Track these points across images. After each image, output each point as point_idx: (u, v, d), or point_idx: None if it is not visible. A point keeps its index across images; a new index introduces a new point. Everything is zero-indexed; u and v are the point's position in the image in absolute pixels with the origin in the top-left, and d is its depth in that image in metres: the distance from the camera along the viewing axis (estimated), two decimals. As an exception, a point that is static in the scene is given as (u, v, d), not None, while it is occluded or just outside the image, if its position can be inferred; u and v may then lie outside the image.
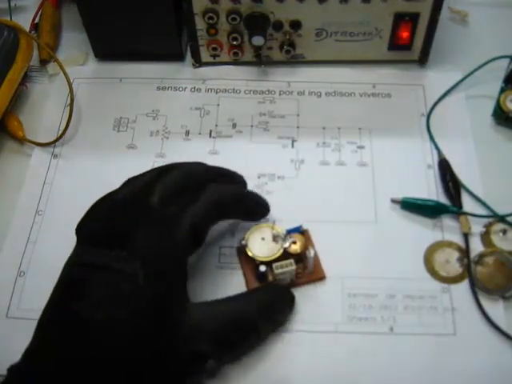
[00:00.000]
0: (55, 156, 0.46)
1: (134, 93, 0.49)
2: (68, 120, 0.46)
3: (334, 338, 0.37)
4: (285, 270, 0.37)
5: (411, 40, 0.48)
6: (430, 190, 0.43)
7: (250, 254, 0.38)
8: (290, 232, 0.38)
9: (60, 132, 0.46)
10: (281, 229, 0.38)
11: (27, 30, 0.50)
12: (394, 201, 0.42)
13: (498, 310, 0.38)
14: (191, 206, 0.35)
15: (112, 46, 0.50)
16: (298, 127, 0.47)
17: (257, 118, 0.47)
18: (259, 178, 0.44)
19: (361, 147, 0.45)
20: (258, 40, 0.46)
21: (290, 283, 0.38)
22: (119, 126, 0.47)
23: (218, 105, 0.48)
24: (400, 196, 0.42)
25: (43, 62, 0.51)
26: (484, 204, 0.42)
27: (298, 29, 0.47)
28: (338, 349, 0.37)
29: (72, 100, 0.46)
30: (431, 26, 0.46)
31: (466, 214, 0.41)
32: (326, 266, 0.39)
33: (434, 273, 0.39)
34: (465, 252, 0.40)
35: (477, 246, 0.40)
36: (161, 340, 0.31)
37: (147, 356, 0.30)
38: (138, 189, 0.35)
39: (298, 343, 0.37)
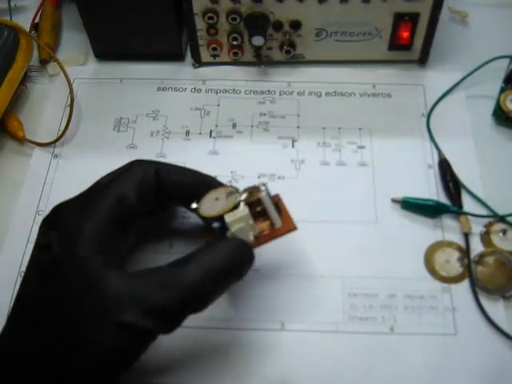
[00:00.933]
0: (55, 156, 0.46)
1: (135, 93, 0.49)
2: (68, 120, 0.46)
3: (334, 338, 0.37)
4: (238, 217, 0.32)
5: (411, 40, 0.48)
6: (431, 189, 0.43)
7: (202, 213, 0.34)
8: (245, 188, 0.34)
9: (60, 132, 0.46)
10: (235, 187, 0.35)
11: (27, 30, 0.50)
12: (394, 201, 0.42)
13: (498, 309, 0.38)
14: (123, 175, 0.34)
15: (112, 45, 0.50)
16: (298, 127, 0.47)
17: (257, 118, 0.47)
18: (259, 178, 0.44)
19: (361, 147, 0.45)
20: (257, 40, 0.46)
21: (257, 241, 0.34)
22: (119, 126, 0.47)
23: (218, 105, 0.48)
24: (400, 196, 0.42)
25: (43, 62, 0.51)
26: (484, 204, 0.42)
27: (298, 29, 0.47)
28: (338, 349, 0.37)
29: (72, 100, 0.46)
30: (431, 26, 0.46)
31: (466, 213, 0.41)
32: (326, 266, 0.39)
33: (434, 273, 0.40)
34: (465, 252, 0.40)
35: (477, 246, 0.40)
36: (83, 310, 0.29)
37: (64, 329, 0.29)
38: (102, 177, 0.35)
39: (298, 343, 0.37)
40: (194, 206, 0.34)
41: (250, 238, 0.33)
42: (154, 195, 0.34)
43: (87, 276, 0.30)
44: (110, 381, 0.30)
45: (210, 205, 0.34)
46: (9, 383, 0.29)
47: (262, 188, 0.33)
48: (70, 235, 0.31)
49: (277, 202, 0.35)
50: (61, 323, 0.30)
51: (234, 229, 0.32)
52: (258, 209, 0.33)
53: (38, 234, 0.33)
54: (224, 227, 0.33)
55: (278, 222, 0.34)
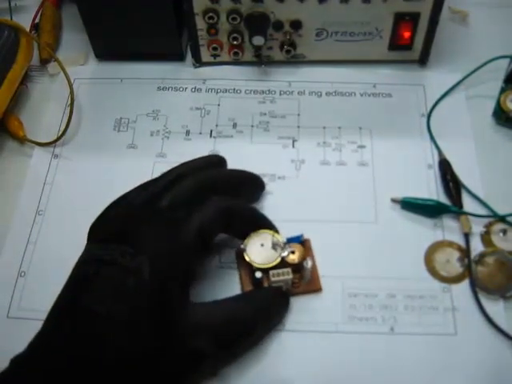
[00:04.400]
0: (55, 156, 0.46)
1: (135, 93, 0.49)
2: (68, 120, 0.46)
3: (334, 338, 0.37)
4: (281, 278, 0.37)
5: (411, 40, 0.48)
6: (431, 189, 0.43)
7: (247, 258, 0.37)
8: (290, 241, 0.38)
9: (60, 132, 0.46)
10: (281, 237, 0.38)
11: (27, 29, 0.50)
12: (394, 201, 0.42)
13: (498, 309, 0.38)
14: (200, 210, 0.35)
15: (112, 46, 0.50)
16: (298, 127, 0.47)
17: (257, 118, 0.47)
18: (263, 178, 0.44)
19: (361, 147, 0.45)
20: (258, 40, 0.46)
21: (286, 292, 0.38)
22: (119, 126, 0.47)
23: (219, 105, 0.48)
24: (400, 196, 0.42)
25: (43, 62, 0.51)
26: (484, 204, 0.42)
27: (298, 29, 0.47)
28: (338, 349, 0.37)
29: (72, 100, 0.46)
30: (431, 26, 0.46)
31: (466, 213, 0.41)
32: (326, 266, 0.39)
33: (434, 273, 0.40)
34: (465, 252, 0.40)
35: (477, 246, 0.40)
36: (159, 337, 0.31)
37: (145, 353, 0.30)
38: (151, 194, 0.36)
39: (298, 343, 0.37)
40: (242, 247, 0.37)
41: (283, 289, 0.38)
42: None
43: (168, 307, 0.32)
44: None
45: (256, 251, 0.37)
46: None
47: (309, 263, 0.37)
48: (163, 265, 0.32)
49: (309, 255, 0.39)
50: (132, 341, 0.30)
51: (274, 284, 0.37)
52: (295, 267, 0.38)
53: (102, 244, 0.33)
54: (263, 275, 0.37)
55: (309, 282, 0.38)
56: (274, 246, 0.37)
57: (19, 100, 0.49)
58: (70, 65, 0.49)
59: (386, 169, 0.44)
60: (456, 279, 0.39)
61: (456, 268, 0.40)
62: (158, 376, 0.31)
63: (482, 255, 0.40)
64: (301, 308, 0.38)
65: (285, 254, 0.37)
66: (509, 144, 0.46)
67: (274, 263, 0.37)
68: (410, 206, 0.42)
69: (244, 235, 0.38)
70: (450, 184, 0.43)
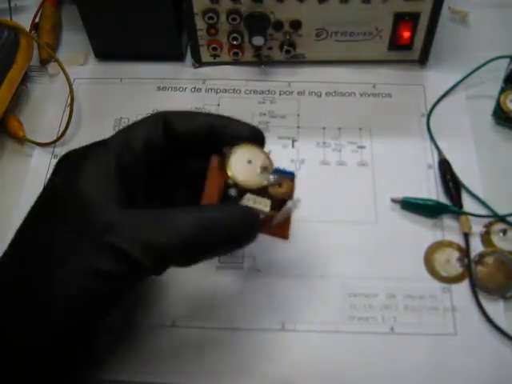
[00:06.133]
0: (55, 156, 0.46)
1: (135, 93, 0.49)
2: (68, 120, 0.46)
3: (334, 338, 0.37)
4: (257, 206, 0.30)
5: (411, 40, 0.48)
6: (430, 189, 0.43)
7: (228, 171, 0.30)
8: (279, 172, 0.32)
9: (60, 132, 0.46)
10: (273, 163, 0.32)
11: (27, 30, 0.50)
12: (394, 201, 0.42)
13: (498, 309, 0.38)
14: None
15: (112, 46, 0.50)
16: (298, 127, 0.47)
17: (257, 118, 0.47)
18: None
19: (361, 147, 0.45)
20: (258, 40, 0.46)
21: None
22: (119, 126, 0.47)
23: (219, 105, 0.48)
24: (400, 196, 0.42)
25: (43, 62, 0.51)
26: (484, 204, 0.42)
27: (298, 29, 0.47)
28: (338, 349, 0.37)
29: (72, 100, 0.46)
30: (431, 25, 0.46)
31: (466, 213, 0.41)
32: (326, 266, 0.39)
33: (434, 273, 0.40)
34: (465, 252, 0.40)
35: (477, 246, 0.40)
36: (68, 236, 0.29)
37: (51, 250, 0.29)
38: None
39: (298, 343, 0.37)
40: (226, 151, 0.31)
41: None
42: (161, 147, 0.32)
43: (83, 207, 0.29)
44: (96, 315, 0.29)
45: (240, 166, 0.31)
46: None
47: (291, 206, 0.31)
48: (73, 173, 0.31)
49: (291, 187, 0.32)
50: (49, 246, 0.29)
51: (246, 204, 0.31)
52: (275, 203, 0.31)
53: (48, 178, 0.33)
54: (238, 194, 0.31)
55: (278, 224, 0.32)
56: (263, 168, 0.31)
57: (19, 100, 0.49)
58: (69, 65, 0.49)
59: (385, 169, 0.44)
60: (456, 279, 0.39)
61: (456, 268, 0.40)
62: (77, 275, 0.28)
63: (481, 255, 0.40)
64: (301, 308, 0.38)
65: (271, 181, 0.31)
66: (509, 144, 0.46)
67: (255, 186, 0.31)
68: (410, 206, 0.42)
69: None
70: (450, 184, 0.43)
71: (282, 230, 0.33)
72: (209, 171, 0.31)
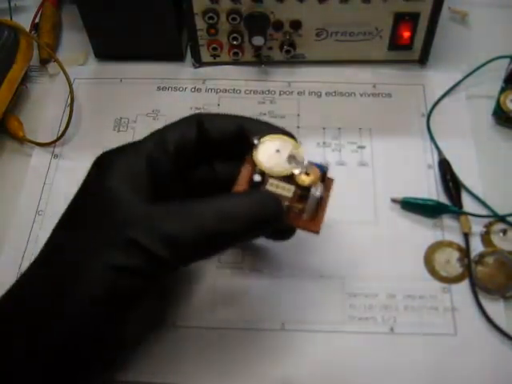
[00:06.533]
0: (55, 156, 0.46)
1: (134, 93, 0.49)
2: (68, 120, 0.46)
3: (334, 338, 0.37)
4: (278, 191, 0.31)
5: (411, 40, 0.48)
6: (430, 189, 0.43)
7: (254, 157, 0.31)
8: (312, 164, 0.32)
9: (60, 132, 0.46)
10: (302, 153, 0.32)
11: (27, 30, 0.50)
12: (394, 201, 0.42)
13: (498, 309, 0.38)
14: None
15: (112, 46, 0.50)
16: (298, 127, 0.47)
17: (257, 118, 0.47)
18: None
19: (361, 147, 0.45)
20: (258, 40, 0.46)
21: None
22: (119, 126, 0.47)
23: (219, 105, 0.48)
24: (400, 196, 0.42)
25: (43, 62, 0.51)
26: (484, 204, 0.42)
27: (298, 29, 0.47)
28: (338, 349, 0.37)
29: (72, 100, 0.46)
30: (431, 25, 0.46)
31: (466, 213, 0.41)
32: (326, 266, 0.39)
33: (434, 273, 0.40)
34: (465, 252, 0.40)
35: (477, 246, 0.40)
36: (89, 231, 0.30)
37: (75, 246, 0.30)
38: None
39: (298, 343, 0.37)
40: (256, 141, 0.31)
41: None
42: (193, 149, 0.33)
43: (113, 203, 0.30)
44: (121, 313, 0.29)
45: (268, 154, 0.31)
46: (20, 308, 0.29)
47: (315, 191, 0.31)
48: (103, 171, 0.31)
49: (324, 198, 0.32)
50: (75, 246, 0.30)
51: (268, 191, 0.31)
52: (303, 193, 0.31)
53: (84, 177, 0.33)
54: (262, 181, 0.31)
55: (309, 216, 0.32)
56: (291, 158, 0.32)
57: (19, 100, 0.49)
58: (69, 65, 0.49)
59: (385, 169, 0.44)
60: (456, 279, 0.39)
61: (456, 268, 0.40)
62: (97, 272, 0.28)
63: (481, 255, 0.40)
64: (301, 308, 0.38)
65: (297, 171, 0.31)
66: (509, 144, 0.46)
67: (281, 174, 0.31)
68: (410, 206, 0.42)
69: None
70: (450, 184, 0.43)
71: (312, 222, 0.32)
72: (242, 164, 0.32)
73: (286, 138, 0.32)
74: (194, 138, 0.32)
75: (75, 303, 0.28)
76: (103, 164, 0.32)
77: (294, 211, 0.32)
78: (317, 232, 0.32)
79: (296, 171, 0.31)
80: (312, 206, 0.31)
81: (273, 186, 0.31)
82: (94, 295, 0.28)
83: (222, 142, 0.33)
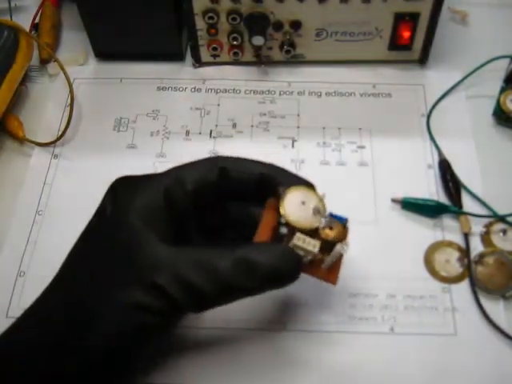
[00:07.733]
0: (55, 156, 0.46)
1: (134, 93, 0.49)
2: (68, 120, 0.46)
3: (334, 338, 0.37)
4: (305, 246, 0.31)
5: (411, 40, 0.48)
6: (431, 189, 0.43)
7: (281, 209, 0.31)
8: (333, 216, 0.32)
9: (60, 132, 0.46)
10: (326, 207, 0.32)
11: (27, 29, 0.50)
12: (394, 201, 0.42)
13: (498, 309, 0.38)
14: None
15: (112, 45, 0.50)
16: (298, 127, 0.47)
17: (257, 118, 0.47)
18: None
19: (361, 147, 0.45)
20: (258, 40, 0.46)
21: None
22: (119, 126, 0.47)
23: (219, 105, 0.48)
24: (400, 196, 0.42)
25: (43, 62, 0.51)
26: (484, 204, 0.42)
27: (298, 29, 0.47)
28: (338, 349, 0.37)
29: (72, 100, 0.46)
30: (431, 25, 0.46)
31: (466, 213, 0.41)
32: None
33: (434, 273, 0.40)
34: (465, 252, 0.40)
35: (477, 246, 0.40)
36: (111, 270, 0.30)
37: (94, 285, 0.30)
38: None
39: (298, 343, 0.37)
40: (281, 192, 0.32)
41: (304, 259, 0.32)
42: (213, 191, 0.33)
43: (131, 239, 0.30)
44: (134, 345, 0.30)
45: (294, 206, 0.31)
46: (34, 340, 0.30)
47: (340, 249, 0.31)
48: (124, 202, 0.32)
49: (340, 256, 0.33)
50: (93, 279, 0.30)
51: (295, 248, 0.31)
52: (325, 246, 0.32)
53: (100, 202, 0.33)
54: (287, 233, 0.31)
55: (328, 269, 0.33)
56: (315, 210, 0.32)
57: (19, 100, 0.49)
58: (69, 65, 0.49)
59: (385, 169, 0.44)
60: (456, 279, 0.39)
61: (456, 268, 0.40)
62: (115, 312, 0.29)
63: (481, 255, 0.40)
64: (301, 308, 0.38)
65: (323, 224, 0.32)
66: (509, 144, 0.46)
67: (308, 227, 0.31)
68: (410, 206, 0.42)
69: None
70: (450, 184, 0.43)
71: (330, 274, 0.33)
72: (264, 210, 0.32)
73: (309, 189, 0.32)
74: (215, 181, 0.33)
75: (97, 336, 0.29)
76: (121, 195, 0.32)
77: (314, 263, 0.32)
78: (335, 284, 0.33)
79: (322, 225, 0.31)
80: (333, 260, 0.32)
81: (300, 241, 0.31)
82: (119, 331, 0.29)
83: (242, 187, 0.33)
